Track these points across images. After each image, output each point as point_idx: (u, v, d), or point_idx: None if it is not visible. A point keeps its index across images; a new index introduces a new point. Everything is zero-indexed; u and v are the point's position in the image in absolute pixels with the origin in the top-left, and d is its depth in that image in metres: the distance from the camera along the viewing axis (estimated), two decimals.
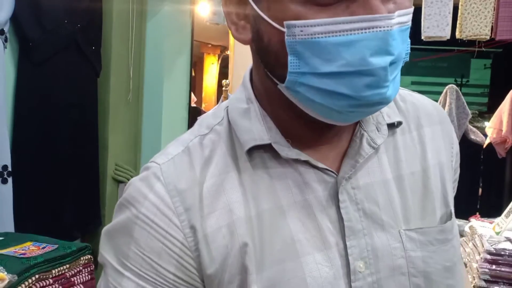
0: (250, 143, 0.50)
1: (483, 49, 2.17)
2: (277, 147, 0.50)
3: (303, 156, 0.50)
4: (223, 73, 5.58)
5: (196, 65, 6.28)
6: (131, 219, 0.49)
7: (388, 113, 0.55)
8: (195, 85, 6.27)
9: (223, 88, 3.03)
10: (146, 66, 2.20)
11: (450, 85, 2.60)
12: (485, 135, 2.80)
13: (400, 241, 0.51)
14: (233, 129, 0.53)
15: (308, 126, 0.51)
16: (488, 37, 2.05)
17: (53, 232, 1.71)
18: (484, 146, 2.84)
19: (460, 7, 2.04)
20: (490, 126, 2.78)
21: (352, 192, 0.51)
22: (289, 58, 0.44)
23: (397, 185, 0.54)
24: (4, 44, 1.58)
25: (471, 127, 2.72)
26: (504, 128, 2.67)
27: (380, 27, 0.41)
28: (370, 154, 0.52)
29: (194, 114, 2.95)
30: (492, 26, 2.03)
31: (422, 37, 2.13)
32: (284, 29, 0.43)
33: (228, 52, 4.08)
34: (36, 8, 1.67)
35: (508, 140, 2.65)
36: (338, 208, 0.51)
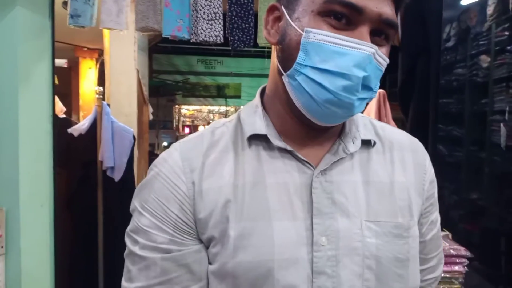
0: (251, 132, 0.68)
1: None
2: (271, 138, 0.67)
3: (289, 147, 0.67)
4: (103, 78, 5.21)
5: (72, 70, 5.80)
6: (154, 176, 0.68)
7: (364, 133, 0.72)
8: (70, 92, 5.78)
9: (97, 96, 2.78)
10: None
11: None
12: None
13: (360, 229, 0.65)
14: (240, 124, 0.71)
15: (298, 126, 0.68)
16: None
17: None
18: None
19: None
20: None
21: (325, 184, 0.66)
22: (300, 53, 0.61)
23: (364, 187, 0.68)
24: None
25: None
26: None
27: (363, 50, 0.59)
28: (344, 158, 0.68)
29: (64, 125, 2.65)
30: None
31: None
32: (303, 33, 0.61)
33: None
34: None
35: None
36: (310, 193, 0.65)
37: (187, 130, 10.23)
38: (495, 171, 2.77)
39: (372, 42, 0.61)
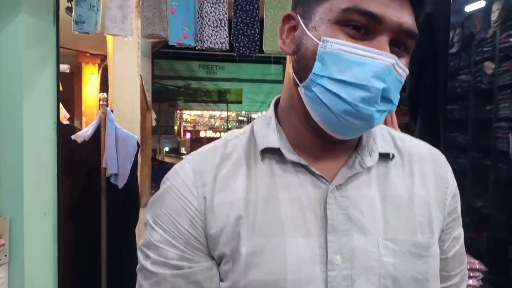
0: (264, 145, 0.66)
1: None
2: (284, 151, 0.65)
3: (303, 161, 0.65)
4: (105, 83, 5.19)
5: (74, 75, 5.79)
6: (166, 189, 0.67)
7: (382, 145, 0.69)
8: (73, 98, 5.77)
9: (100, 103, 2.77)
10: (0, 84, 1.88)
11: None
12: None
13: (376, 247, 0.62)
14: (253, 137, 0.69)
15: (313, 139, 0.66)
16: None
17: None
18: None
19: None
20: None
21: (340, 199, 0.64)
22: (316, 63, 0.59)
23: (381, 203, 0.65)
24: None
25: None
26: None
27: (382, 60, 0.57)
28: (360, 173, 0.66)
29: (67, 132, 2.63)
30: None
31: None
32: (320, 42, 0.59)
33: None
34: None
35: None
36: (325, 209, 0.63)
37: (188, 135, 10.21)
38: (501, 178, 2.74)
39: (391, 52, 0.59)
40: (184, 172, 0.67)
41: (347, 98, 0.57)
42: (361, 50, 0.57)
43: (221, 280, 0.65)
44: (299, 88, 0.63)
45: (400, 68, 0.59)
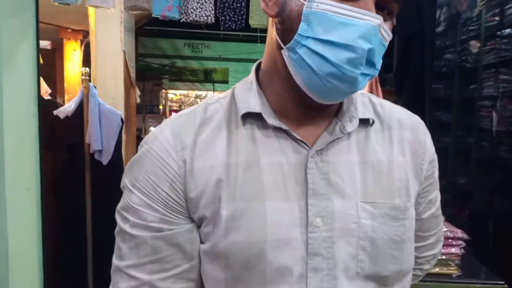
0: (245, 110, 0.66)
1: None
2: (266, 116, 0.65)
3: (284, 126, 0.65)
4: (88, 60, 5.07)
5: (56, 52, 5.66)
6: (145, 153, 0.66)
7: (362, 111, 0.69)
8: (55, 75, 5.65)
9: (83, 77, 2.72)
10: None
11: None
12: None
13: (355, 210, 0.64)
14: (234, 101, 0.68)
15: (295, 104, 0.66)
16: None
17: None
18: None
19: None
20: None
21: (320, 164, 0.64)
22: (301, 24, 0.58)
23: (361, 168, 0.66)
24: None
25: None
26: None
27: (369, 21, 0.57)
28: (341, 138, 0.66)
29: (49, 108, 2.57)
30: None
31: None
32: (305, 2, 0.58)
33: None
34: None
35: None
36: (305, 174, 0.64)
37: (174, 115, 10.13)
38: (483, 156, 2.79)
39: None
40: (163, 136, 0.66)
41: (333, 59, 0.57)
42: (347, 11, 0.57)
43: (201, 242, 0.65)
44: (282, 51, 0.62)
45: (384, 31, 0.60)
